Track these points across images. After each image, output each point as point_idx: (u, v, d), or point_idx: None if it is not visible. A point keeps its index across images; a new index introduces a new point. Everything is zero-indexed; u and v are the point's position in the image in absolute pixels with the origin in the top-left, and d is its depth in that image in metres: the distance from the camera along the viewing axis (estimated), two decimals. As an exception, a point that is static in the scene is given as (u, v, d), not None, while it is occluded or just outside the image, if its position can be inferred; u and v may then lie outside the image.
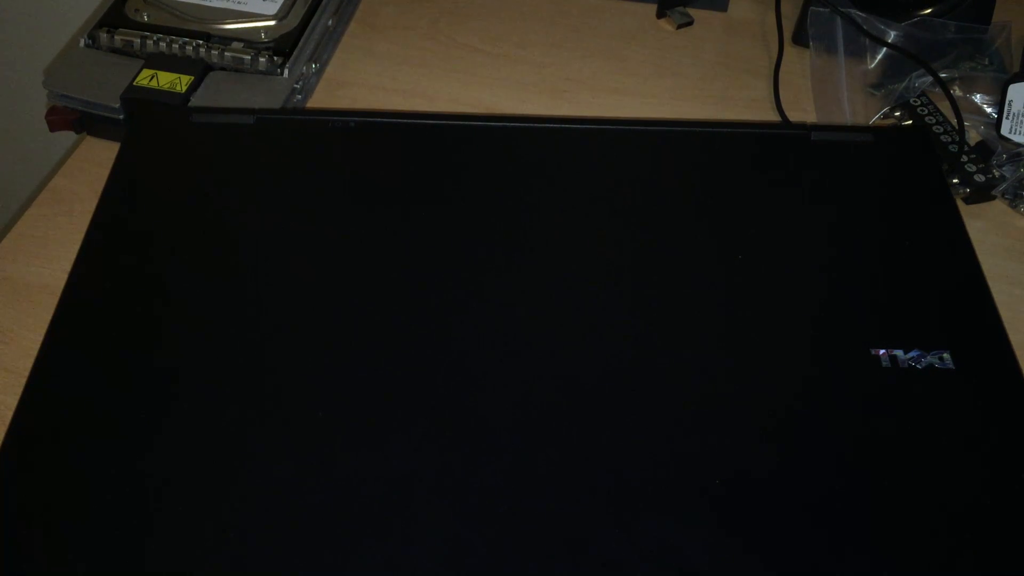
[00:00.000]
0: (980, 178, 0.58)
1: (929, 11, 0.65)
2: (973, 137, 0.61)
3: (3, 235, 0.55)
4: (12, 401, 0.41)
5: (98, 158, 0.58)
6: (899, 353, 0.43)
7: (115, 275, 0.46)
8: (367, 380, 0.41)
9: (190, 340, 0.43)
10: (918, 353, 0.43)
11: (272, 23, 0.62)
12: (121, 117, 0.58)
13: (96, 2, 0.71)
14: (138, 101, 0.58)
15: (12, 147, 1.34)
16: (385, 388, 0.41)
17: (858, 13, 0.65)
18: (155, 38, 0.60)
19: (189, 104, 0.57)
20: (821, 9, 0.66)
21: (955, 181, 0.58)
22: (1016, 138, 0.59)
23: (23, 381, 0.41)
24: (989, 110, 0.61)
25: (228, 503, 0.37)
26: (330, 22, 0.65)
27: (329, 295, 0.45)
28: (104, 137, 0.59)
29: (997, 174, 0.58)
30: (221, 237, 0.48)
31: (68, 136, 0.61)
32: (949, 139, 0.60)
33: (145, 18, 0.62)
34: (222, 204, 0.49)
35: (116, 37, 0.60)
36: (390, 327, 0.43)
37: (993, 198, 0.58)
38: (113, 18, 0.62)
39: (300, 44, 0.61)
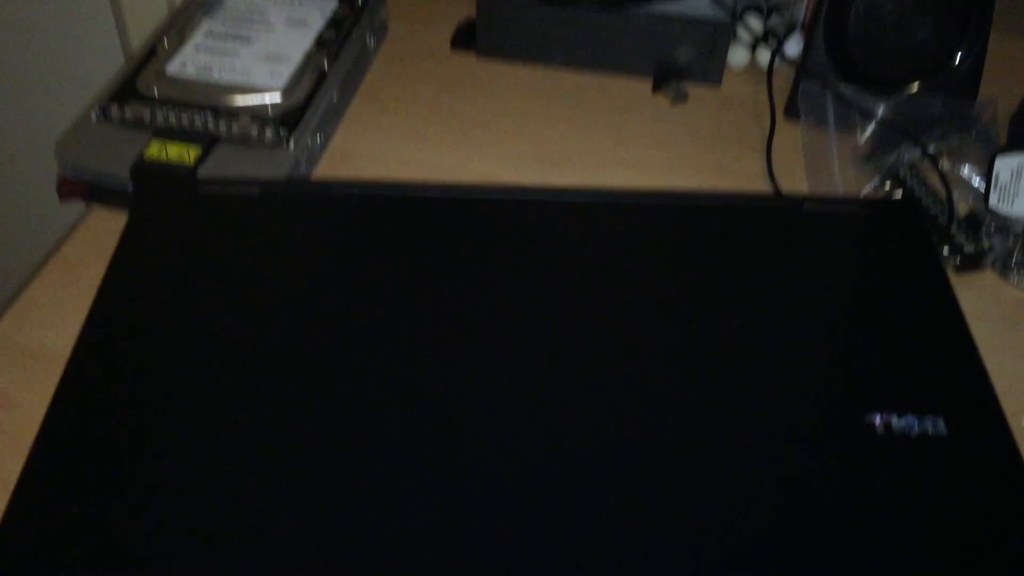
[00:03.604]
0: (970, 249, 0.59)
1: (916, 87, 0.67)
2: (962, 209, 0.62)
3: (11, 302, 0.56)
4: (16, 467, 0.41)
5: (106, 228, 0.60)
6: (893, 419, 0.43)
7: (121, 343, 0.46)
8: (368, 450, 0.42)
9: (195, 411, 0.43)
10: (912, 419, 0.44)
11: (279, 97, 0.63)
12: (129, 188, 0.59)
13: (108, 75, 0.73)
14: (146, 172, 0.59)
15: (22, 216, 1.36)
16: (386, 461, 0.42)
17: (847, 88, 0.67)
18: (165, 111, 0.62)
19: (196, 175, 0.59)
20: (811, 84, 0.68)
21: (946, 251, 0.59)
22: (1004, 210, 0.60)
23: (27, 448, 0.42)
24: (977, 182, 0.63)
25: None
26: (335, 96, 0.67)
27: (331, 365, 0.45)
28: (113, 207, 0.61)
29: (987, 245, 0.59)
30: (226, 307, 0.48)
31: (77, 206, 0.62)
32: (939, 210, 0.61)
33: (156, 92, 0.63)
34: (227, 273, 0.50)
35: (127, 110, 0.62)
36: (391, 398, 0.44)
37: (983, 268, 0.59)
38: (125, 92, 0.63)
39: (305, 117, 0.63)
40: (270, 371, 0.45)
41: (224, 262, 0.51)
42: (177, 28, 0.69)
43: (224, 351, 0.46)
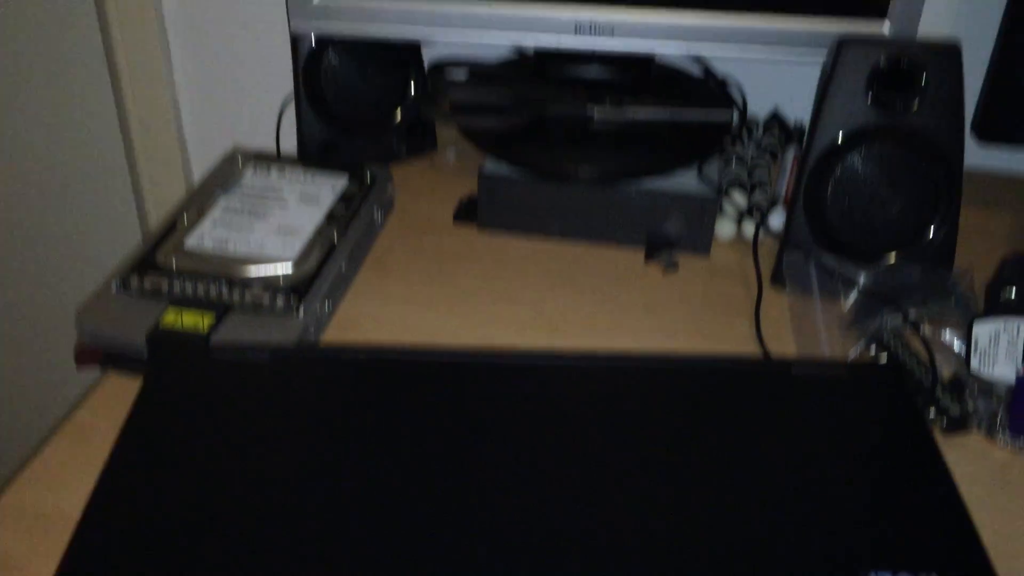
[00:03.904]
0: (955, 412, 0.61)
1: (894, 257, 0.71)
2: (946, 372, 0.64)
3: (23, 466, 0.57)
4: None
5: (120, 394, 0.62)
6: (887, 578, 0.44)
7: (131, 507, 0.48)
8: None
9: (204, 573, 0.44)
10: (906, 579, 0.44)
11: (291, 267, 0.67)
12: (145, 355, 0.62)
13: (125, 250, 0.77)
14: (161, 339, 0.62)
15: (38, 382, 1.38)
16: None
17: (829, 259, 0.71)
18: (182, 282, 0.65)
19: (209, 342, 0.61)
20: (795, 255, 0.72)
21: (932, 414, 0.61)
22: (985, 373, 0.62)
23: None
24: (958, 347, 0.65)
25: None
26: (343, 266, 0.71)
27: (340, 528, 0.47)
28: (128, 373, 0.63)
29: (971, 407, 0.61)
30: (236, 470, 0.50)
31: (92, 373, 0.64)
32: (923, 374, 0.63)
33: (174, 264, 0.67)
34: (237, 436, 0.52)
35: (146, 281, 0.65)
36: (395, 560, 0.45)
37: (970, 430, 0.61)
38: (145, 264, 0.67)
39: (315, 286, 0.66)
40: (279, 534, 0.46)
41: (234, 425, 0.53)
42: (197, 204, 0.73)
43: (234, 514, 0.47)
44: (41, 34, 1.11)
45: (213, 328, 0.62)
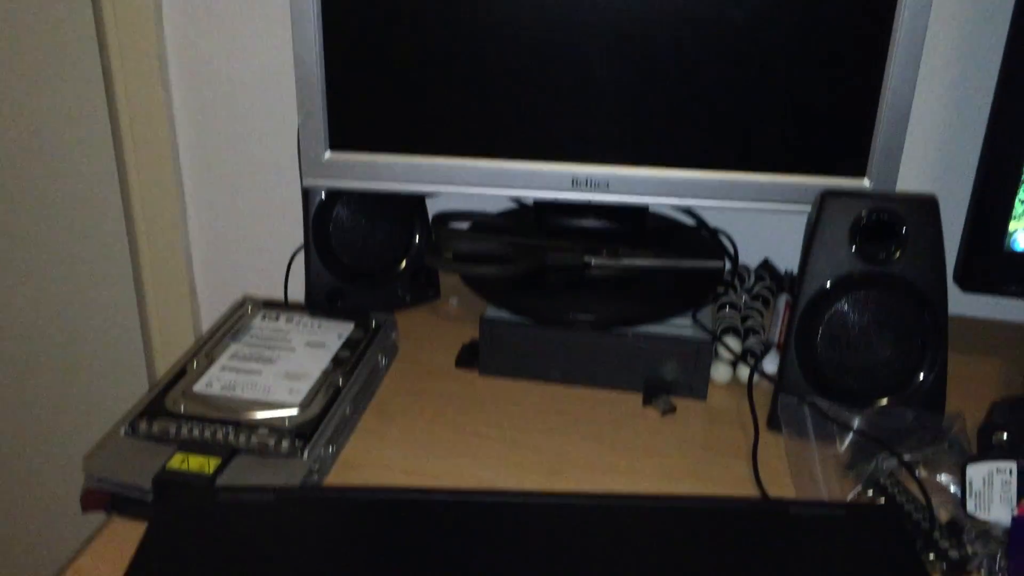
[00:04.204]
0: (954, 554, 0.61)
1: (885, 401, 0.73)
2: (943, 515, 0.65)
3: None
4: None
5: (124, 539, 0.62)
6: None
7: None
8: None
9: None
10: None
11: (296, 412, 0.69)
12: (151, 498, 0.62)
13: (133, 395, 0.79)
14: (167, 482, 0.63)
15: (41, 527, 1.37)
16: None
17: (823, 402, 0.73)
18: (189, 426, 0.66)
19: (215, 484, 0.62)
20: (789, 398, 0.73)
21: (931, 557, 0.61)
22: (982, 515, 0.63)
23: None
24: (954, 489, 0.66)
25: None
26: (348, 410, 0.72)
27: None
28: (134, 518, 0.64)
29: (970, 551, 0.61)
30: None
31: (97, 516, 0.65)
32: (920, 516, 0.64)
33: (182, 408, 0.68)
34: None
35: (155, 425, 0.67)
36: None
37: (970, 573, 0.61)
38: (153, 408, 0.69)
39: (320, 430, 0.67)
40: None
41: (239, 565, 0.53)
42: (207, 350, 0.76)
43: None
44: (59, 185, 1.16)
45: (219, 470, 0.63)
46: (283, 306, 0.84)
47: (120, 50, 1.03)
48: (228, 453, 0.65)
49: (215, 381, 0.72)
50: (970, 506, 0.64)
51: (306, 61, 0.79)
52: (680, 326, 0.81)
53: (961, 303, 0.94)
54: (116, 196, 1.13)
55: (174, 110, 1.06)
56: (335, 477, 0.69)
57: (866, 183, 0.79)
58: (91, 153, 1.13)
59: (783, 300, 0.90)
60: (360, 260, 0.91)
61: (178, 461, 0.64)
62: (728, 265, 0.93)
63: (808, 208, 0.79)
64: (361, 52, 0.79)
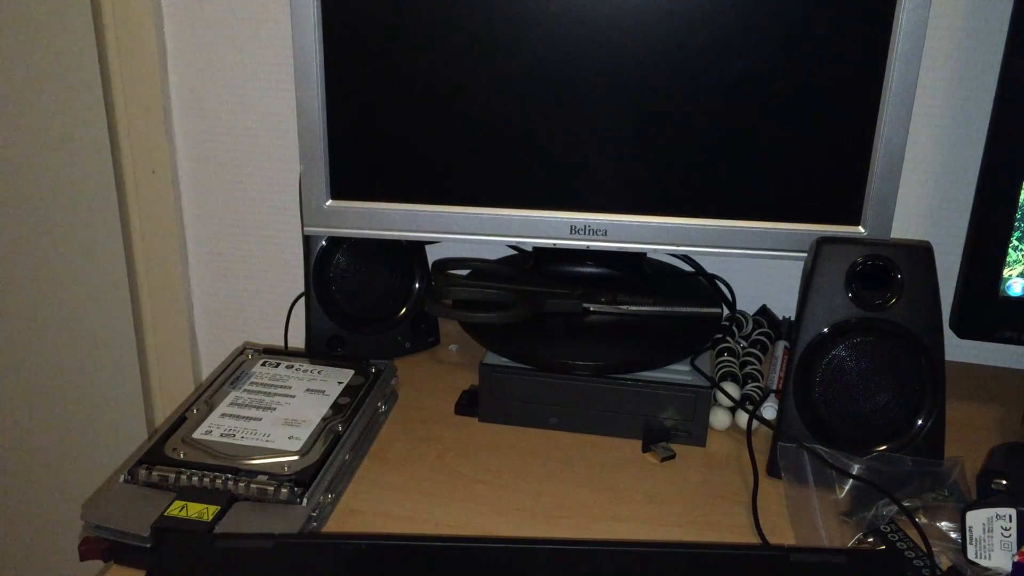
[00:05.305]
0: (956, 601, 0.61)
1: (884, 448, 0.73)
2: (944, 562, 0.65)
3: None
4: None
5: (121, 585, 0.62)
6: None
7: None
8: None
9: None
10: None
11: (295, 458, 0.69)
12: (149, 546, 0.62)
13: (131, 443, 0.79)
14: (166, 530, 0.62)
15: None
16: None
17: (822, 448, 0.73)
18: (188, 473, 0.66)
19: (214, 531, 0.62)
20: (788, 445, 0.74)
21: (933, 604, 0.61)
22: (983, 562, 0.63)
23: None
24: (954, 536, 0.66)
25: None
26: (347, 457, 0.72)
27: None
28: (133, 566, 0.63)
29: (973, 597, 0.61)
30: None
31: (95, 565, 0.65)
32: (921, 563, 0.63)
33: (181, 456, 0.69)
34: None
35: (154, 473, 0.67)
36: None
37: (973, 620, 0.61)
38: (152, 456, 0.69)
39: (319, 477, 0.67)
40: None
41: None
42: (206, 397, 0.76)
43: None
44: (61, 231, 1.17)
45: (218, 518, 0.63)
46: (283, 353, 0.85)
47: (126, 102, 1.04)
48: (227, 500, 0.65)
49: (215, 428, 0.72)
50: (971, 553, 0.63)
51: (308, 111, 0.81)
52: (679, 372, 0.81)
53: (958, 349, 0.95)
54: (118, 243, 1.14)
55: (177, 158, 1.07)
56: (334, 524, 0.69)
57: (861, 230, 0.80)
58: (94, 205, 1.14)
59: (781, 346, 0.91)
60: (360, 307, 0.91)
61: (177, 508, 0.64)
62: (726, 311, 0.93)
63: (804, 255, 0.79)
64: (363, 102, 0.81)
